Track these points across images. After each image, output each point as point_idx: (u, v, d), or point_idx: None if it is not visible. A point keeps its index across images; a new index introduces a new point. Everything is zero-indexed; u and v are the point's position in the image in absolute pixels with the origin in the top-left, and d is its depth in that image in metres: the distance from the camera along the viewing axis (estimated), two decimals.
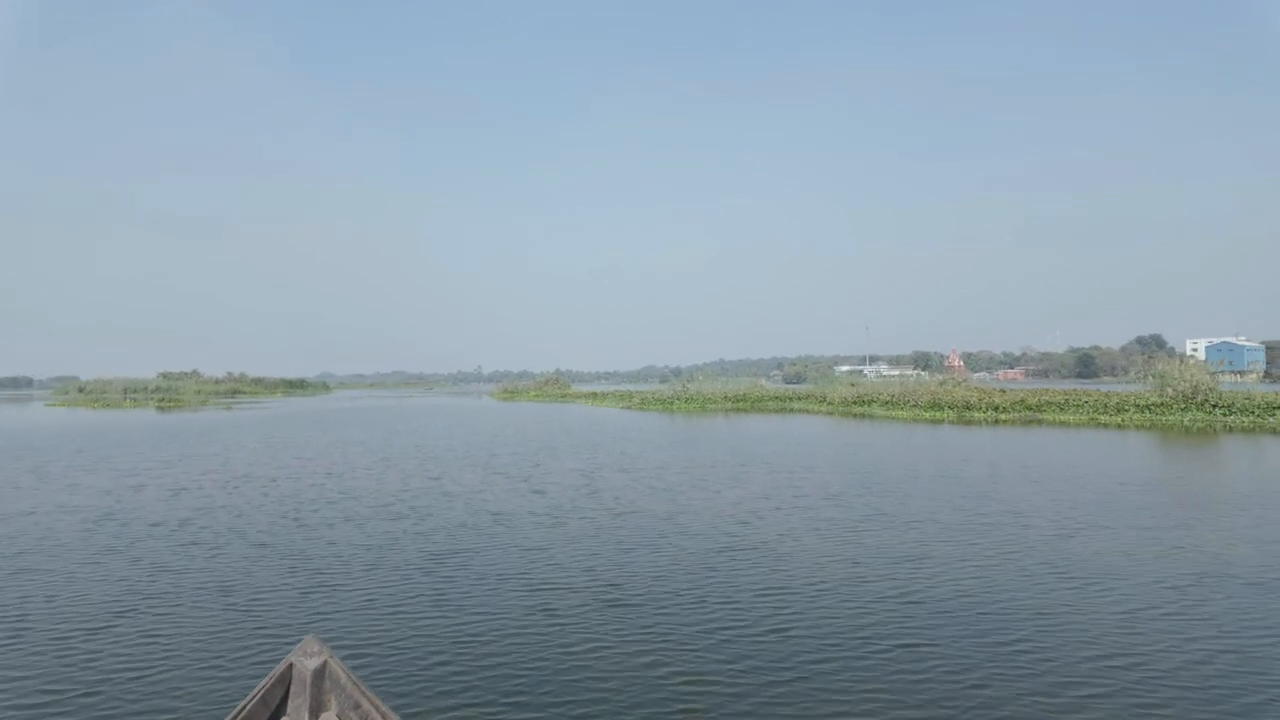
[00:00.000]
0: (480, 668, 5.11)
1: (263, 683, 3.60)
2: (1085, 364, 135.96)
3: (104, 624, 6.12)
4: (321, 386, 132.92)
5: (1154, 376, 31.73)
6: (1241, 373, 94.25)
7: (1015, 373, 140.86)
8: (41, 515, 11.25)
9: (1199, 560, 7.74)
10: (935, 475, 14.35)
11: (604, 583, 7.23)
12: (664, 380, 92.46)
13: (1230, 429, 25.06)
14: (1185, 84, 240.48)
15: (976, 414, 32.40)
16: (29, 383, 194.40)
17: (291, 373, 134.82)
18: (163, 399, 73.08)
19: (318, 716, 3.63)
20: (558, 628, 5.93)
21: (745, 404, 44.93)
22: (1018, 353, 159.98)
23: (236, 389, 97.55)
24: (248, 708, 3.40)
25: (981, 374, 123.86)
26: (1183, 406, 29.32)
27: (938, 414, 33.26)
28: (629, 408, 47.35)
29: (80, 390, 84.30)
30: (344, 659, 4.93)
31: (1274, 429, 24.75)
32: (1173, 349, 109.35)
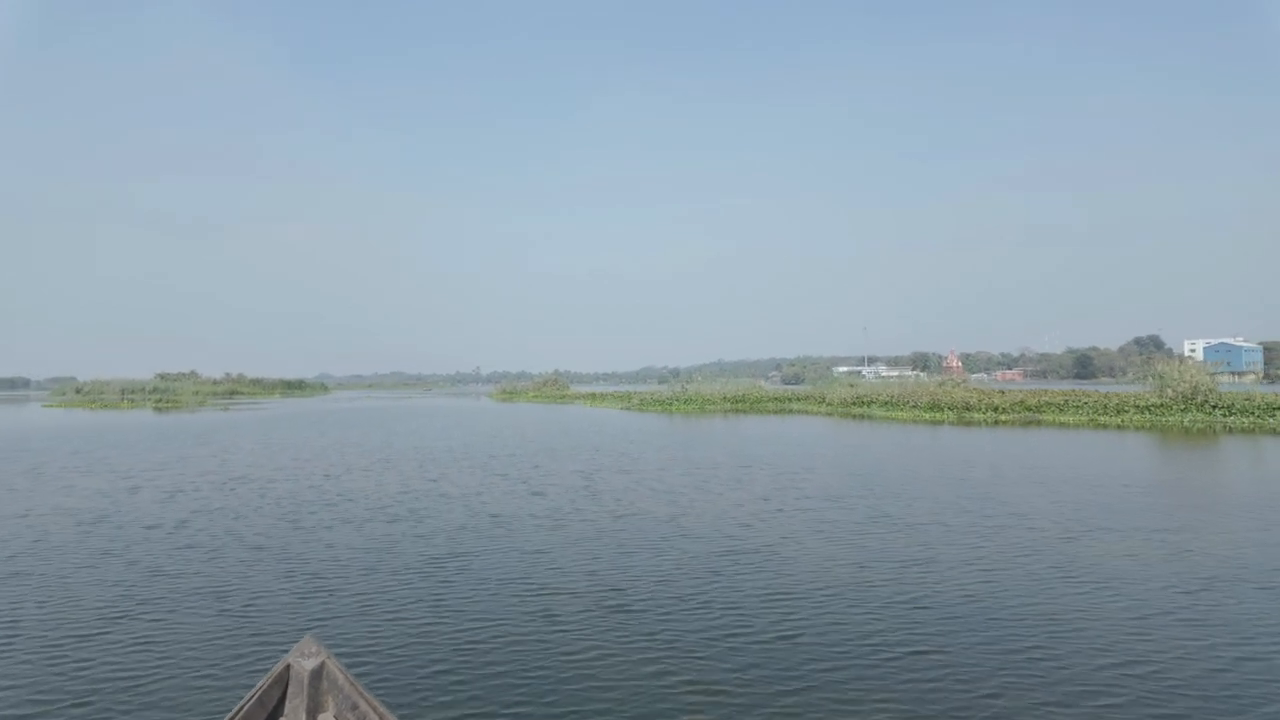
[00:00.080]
0: (481, 675, 4.99)
1: (260, 683, 3.57)
2: (1083, 365, 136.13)
3: (97, 630, 6.00)
4: (320, 387, 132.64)
5: (1153, 377, 31.69)
6: (1239, 373, 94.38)
7: (1013, 374, 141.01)
8: (36, 518, 11.11)
9: (1208, 564, 7.65)
10: (937, 477, 14.26)
11: (606, 587, 7.12)
12: (663, 381, 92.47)
13: (1230, 430, 25.02)
14: (1185, 84, 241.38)
15: (976, 415, 32.34)
16: (26, 383, 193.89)
17: (290, 373, 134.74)
18: (160, 400, 72.83)
19: (315, 717, 3.59)
20: (560, 634, 5.82)
21: (744, 405, 44.83)
22: (1016, 354, 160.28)
23: (234, 390, 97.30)
24: (245, 708, 3.37)
25: (980, 375, 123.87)
26: (1182, 407, 29.28)
27: (937, 415, 33.19)
28: (628, 409, 47.23)
29: (77, 391, 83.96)
30: (341, 664, 4.83)
31: (1274, 430, 24.71)
32: (1170, 350, 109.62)
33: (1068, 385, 77.03)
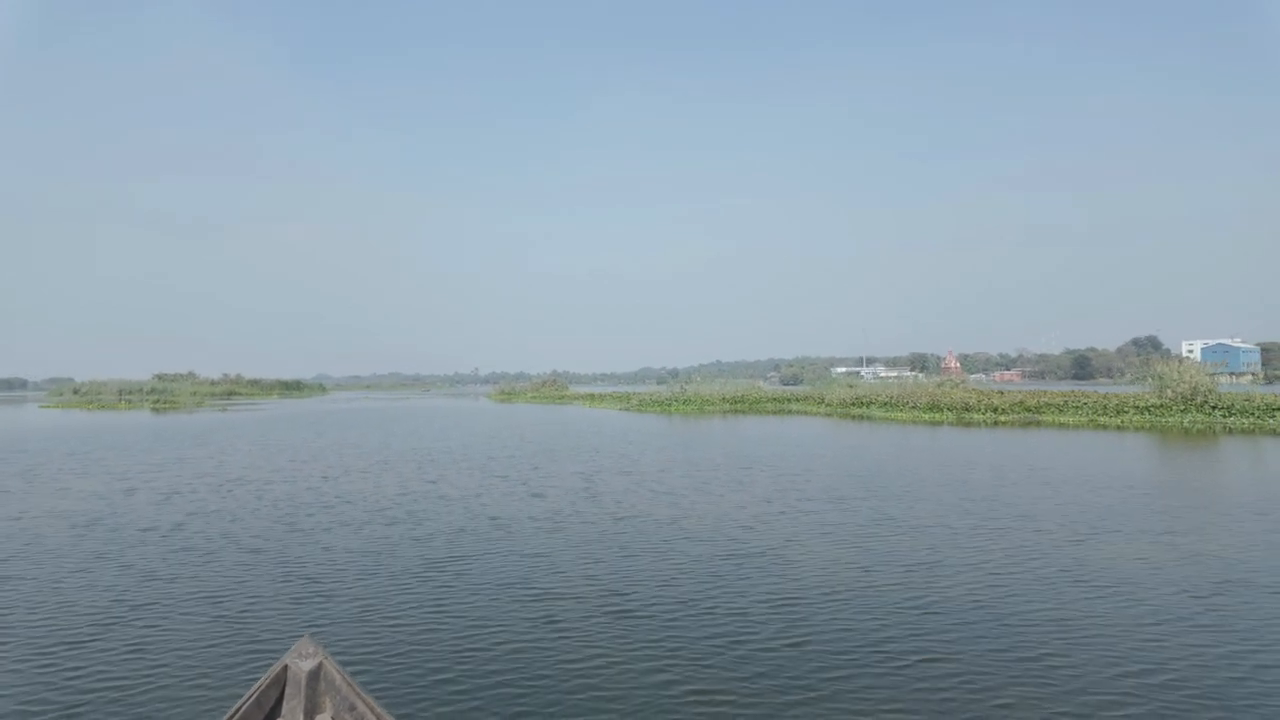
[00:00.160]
0: (483, 683, 4.88)
1: (258, 684, 3.55)
2: (1081, 365, 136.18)
3: (89, 636, 5.87)
4: (318, 388, 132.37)
5: (1153, 378, 31.62)
6: (1237, 374, 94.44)
7: (1012, 374, 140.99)
8: (29, 520, 10.97)
9: (1218, 567, 7.55)
10: (940, 478, 14.16)
11: (608, 591, 7.01)
12: (661, 382, 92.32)
13: (1230, 431, 24.95)
14: (1185, 84, 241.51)
15: (976, 415, 32.26)
16: (23, 384, 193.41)
17: (288, 374, 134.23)
18: (158, 401, 72.60)
19: (313, 718, 3.57)
20: (562, 639, 5.70)
21: (743, 405, 44.74)
22: (1014, 354, 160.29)
23: (232, 390, 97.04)
24: (242, 709, 3.35)
25: (978, 375, 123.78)
26: (1182, 408, 29.22)
27: (937, 415, 33.12)
28: (627, 409, 47.12)
29: (75, 392, 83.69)
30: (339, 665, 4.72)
31: (1274, 430, 24.65)
32: (1168, 351, 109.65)
33: (1066, 386, 77.08)
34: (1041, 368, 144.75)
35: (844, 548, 8.62)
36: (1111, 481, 13.49)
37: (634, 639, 5.69)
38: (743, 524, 10.10)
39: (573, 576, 7.55)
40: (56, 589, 7.28)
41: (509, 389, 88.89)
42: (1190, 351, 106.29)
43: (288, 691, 3.61)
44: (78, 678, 5.04)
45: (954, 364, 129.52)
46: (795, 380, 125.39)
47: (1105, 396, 33.46)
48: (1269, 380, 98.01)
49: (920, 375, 59.48)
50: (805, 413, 39.83)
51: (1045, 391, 38.23)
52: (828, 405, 40.68)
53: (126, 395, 76.65)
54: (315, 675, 3.65)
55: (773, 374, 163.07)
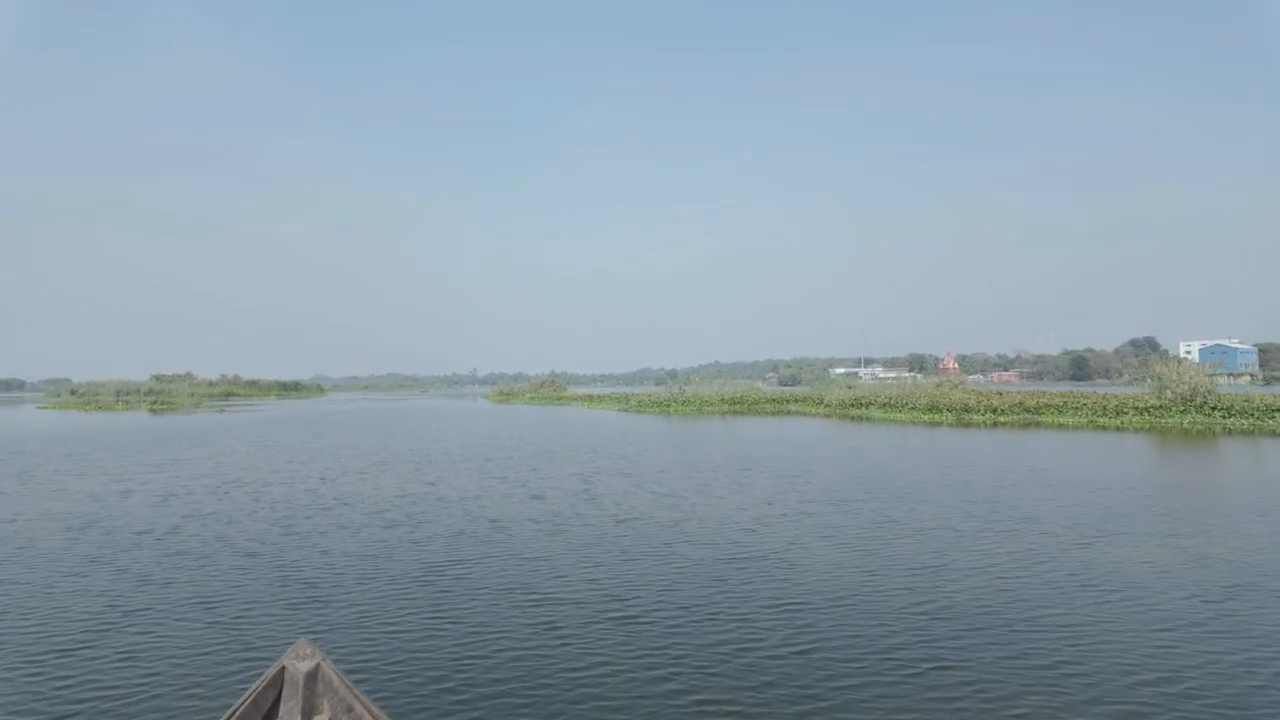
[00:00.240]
0: (484, 692, 4.77)
1: (254, 685, 3.52)
2: (1079, 366, 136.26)
3: (81, 643, 5.76)
4: (316, 389, 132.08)
5: (1152, 379, 31.57)
6: (1235, 375, 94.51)
7: (1009, 375, 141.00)
8: (23, 523, 10.85)
9: (1227, 571, 7.46)
10: (942, 480, 14.07)
11: (610, 596, 6.90)
12: (659, 382, 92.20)
13: (1230, 432, 24.90)
14: (1185, 84, 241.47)
15: (975, 416, 32.20)
16: (21, 385, 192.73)
17: (286, 375, 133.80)
18: (155, 401, 72.36)
19: None
20: (563, 646, 5.59)
21: (742, 406, 44.65)
22: (1012, 355, 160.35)
23: (230, 391, 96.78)
24: (239, 711, 3.32)
25: (976, 376, 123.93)
26: (1181, 409, 29.16)
27: (936, 416, 33.05)
28: (625, 410, 47.01)
29: (72, 393, 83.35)
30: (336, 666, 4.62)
31: (1274, 431, 24.59)
32: (1165, 351, 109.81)
33: (1064, 387, 77.08)
34: (1039, 368, 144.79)
35: (848, 551, 8.52)
36: (1114, 483, 13.41)
37: (638, 646, 5.59)
38: (744, 527, 10.00)
39: (574, 581, 7.45)
40: (49, 594, 7.17)
41: (507, 390, 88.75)
42: (1188, 352, 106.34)
43: (285, 693, 3.59)
44: (67, 687, 4.92)
45: (952, 365, 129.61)
46: (793, 381, 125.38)
47: (1104, 397, 33.39)
48: (1267, 381, 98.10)
49: (918, 376, 59.48)
50: (804, 414, 39.75)
51: (1044, 392, 38.17)
52: (826, 406, 40.60)
53: (124, 396, 76.40)
54: (313, 677, 3.63)
55: (771, 375, 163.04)
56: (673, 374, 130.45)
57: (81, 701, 4.70)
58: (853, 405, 39.20)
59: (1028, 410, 32.25)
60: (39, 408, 69.21)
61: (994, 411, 32.58)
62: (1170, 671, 4.96)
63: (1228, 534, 9.17)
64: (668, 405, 46.11)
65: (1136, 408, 30.08)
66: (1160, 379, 30.86)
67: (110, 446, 24.14)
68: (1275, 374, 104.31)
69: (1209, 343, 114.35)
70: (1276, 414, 26.96)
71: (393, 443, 24.63)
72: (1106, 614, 6.16)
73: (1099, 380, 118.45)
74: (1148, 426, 27.15)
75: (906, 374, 78.89)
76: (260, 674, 4.89)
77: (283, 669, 3.66)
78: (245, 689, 4.61)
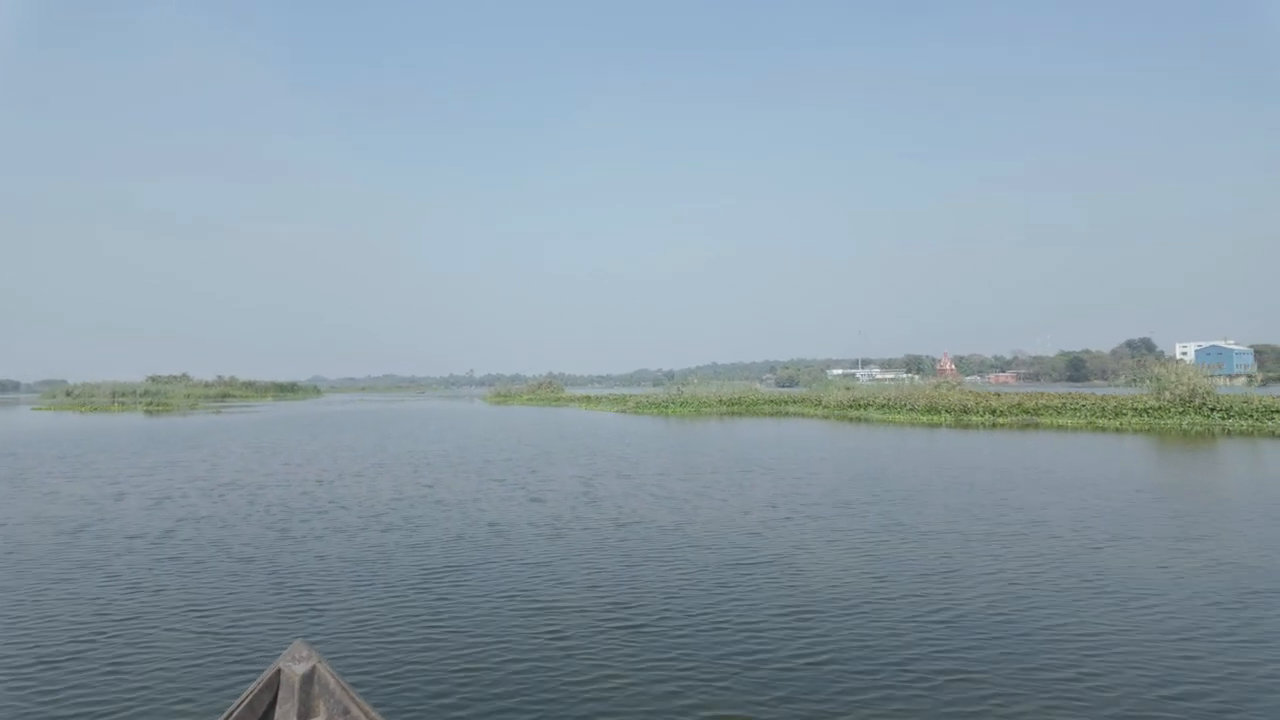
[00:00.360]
0: (484, 702, 4.61)
1: (250, 688, 3.49)
2: (1076, 367, 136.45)
3: (69, 652, 5.58)
4: (312, 390, 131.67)
5: (1151, 380, 31.53)
6: (1232, 376, 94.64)
7: (1006, 376, 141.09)
8: (13, 527, 10.66)
9: (1240, 575, 7.32)
10: (944, 482, 13.94)
11: (612, 602, 6.75)
12: (657, 384, 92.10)
13: (1229, 433, 24.83)
14: (1185, 85, 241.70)
15: (974, 418, 32.10)
16: (16, 387, 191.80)
17: (283, 376, 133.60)
18: (151, 403, 71.98)
19: None
20: (565, 655, 5.44)
21: (740, 408, 44.53)
22: (1009, 356, 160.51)
23: (226, 393, 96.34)
24: (235, 713, 3.30)
25: (973, 377, 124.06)
26: (1180, 410, 29.10)
27: (935, 418, 32.95)
28: (623, 411, 46.86)
29: (68, 394, 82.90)
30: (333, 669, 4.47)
31: (1273, 433, 24.53)
32: (1162, 353, 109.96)
33: (1061, 388, 77.03)
34: (1036, 369, 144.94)
35: (855, 555, 8.37)
36: (1118, 485, 13.30)
37: (642, 653, 5.44)
38: (748, 530, 9.86)
39: (576, 586, 7.29)
40: (38, 600, 6.99)
41: (505, 391, 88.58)
42: (1184, 353, 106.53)
43: (281, 695, 3.55)
44: (52, 701, 4.73)
45: (949, 366, 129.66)
46: (791, 382, 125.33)
47: (1103, 398, 33.33)
48: (1264, 383, 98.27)
49: (915, 377, 59.41)
50: (802, 415, 39.64)
51: (1043, 394, 38.09)
52: (825, 407, 40.50)
53: (120, 397, 76.00)
54: (309, 679, 3.59)
55: (768, 376, 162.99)
56: (670, 375, 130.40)
57: (67, 716, 4.52)
58: (851, 406, 39.10)
59: (1026, 411, 32.18)
60: (34, 409, 68.83)
61: (993, 413, 32.49)
62: (1191, 680, 4.81)
63: (1238, 538, 9.04)
64: (666, 406, 45.96)
65: (1135, 409, 30.02)
66: (1159, 380, 30.83)
67: (104, 448, 23.92)
68: (1272, 374, 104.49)
69: (1205, 344, 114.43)
70: (1275, 415, 26.91)
71: (390, 444, 24.44)
72: (1125, 622, 6.02)
73: (1095, 381, 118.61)
74: (1147, 428, 27.08)
75: (904, 375, 78.79)
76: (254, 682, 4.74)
77: (278, 671, 3.62)
78: (237, 697, 4.46)
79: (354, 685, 4.84)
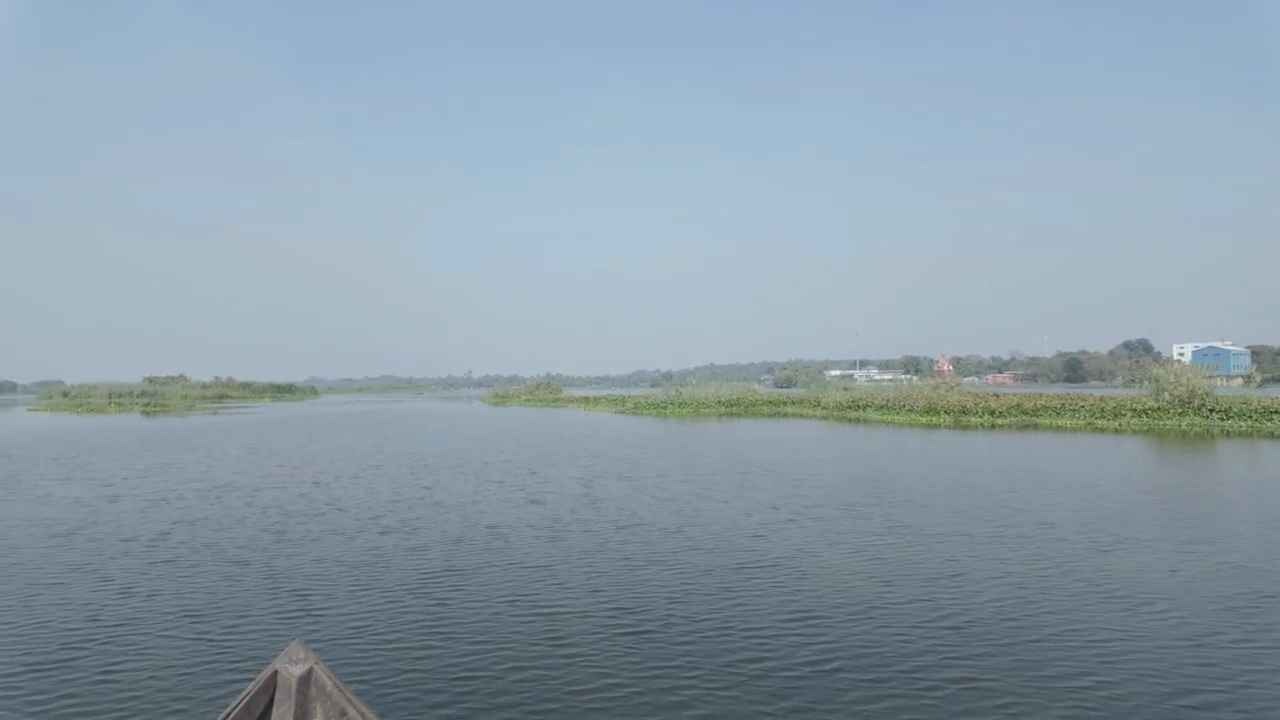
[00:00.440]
0: (484, 712, 4.50)
1: (247, 690, 3.47)
2: (1073, 368, 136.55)
3: (59, 659, 5.45)
4: (310, 391, 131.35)
5: (1150, 381, 31.50)
6: (1228, 377, 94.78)
7: (1004, 377, 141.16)
8: (5, 530, 10.51)
9: (1252, 579, 7.22)
10: (946, 483, 13.84)
11: (615, 607, 6.63)
12: (655, 385, 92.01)
13: (1228, 434, 24.79)
14: (1185, 85, 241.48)
15: (973, 419, 32.03)
16: (12, 387, 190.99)
17: (282, 377, 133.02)
18: (148, 404, 71.75)
19: None
20: (568, 662, 5.32)
21: (739, 409, 44.44)
22: (1006, 357, 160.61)
23: (223, 394, 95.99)
24: (231, 715, 3.28)
25: (970, 378, 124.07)
26: (1180, 411, 29.06)
27: (934, 419, 32.87)
28: (622, 412, 46.75)
29: (64, 395, 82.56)
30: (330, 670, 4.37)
31: (1272, 433, 24.50)
32: (1159, 354, 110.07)
33: (1058, 389, 77.13)
34: (1033, 370, 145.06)
35: (859, 558, 8.27)
36: (1121, 486, 13.21)
37: (645, 660, 5.33)
38: (750, 532, 9.75)
39: (577, 590, 7.18)
40: (28, 606, 6.86)
41: (503, 392, 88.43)
42: (1181, 354, 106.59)
43: (277, 697, 3.49)
44: (40, 711, 4.61)
45: (947, 367, 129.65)
46: (789, 383, 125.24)
47: (1102, 399, 33.30)
48: (1262, 383, 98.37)
49: (913, 378, 59.37)
50: (801, 415, 39.57)
51: (1042, 394, 38.08)
52: (824, 408, 40.42)
53: (116, 398, 75.69)
54: (306, 681, 3.53)
55: (766, 377, 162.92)
56: (668, 376, 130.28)
57: None
58: (850, 407, 39.02)
59: (1025, 412, 32.13)
60: (30, 410, 68.55)
61: (992, 414, 32.42)
62: (1207, 686, 4.71)
63: (1246, 541, 8.95)
64: (664, 407, 45.86)
65: (1134, 410, 29.98)
66: (1158, 381, 30.81)
67: (100, 450, 23.75)
68: (1269, 375, 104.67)
69: (1202, 345, 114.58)
70: (1275, 416, 26.88)
71: (387, 446, 24.30)
72: (1136, 627, 5.91)
73: (1093, 382, 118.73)
74: (1146, 429, 27.03)
75: (902, 376, 78.81)
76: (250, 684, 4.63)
77: (275, 673, 3.57)
78: (234, 700, 4.35)
79: (351, 690, 4.71)
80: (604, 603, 6.75)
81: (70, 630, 6.13)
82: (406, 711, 4.53)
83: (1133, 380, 34.61)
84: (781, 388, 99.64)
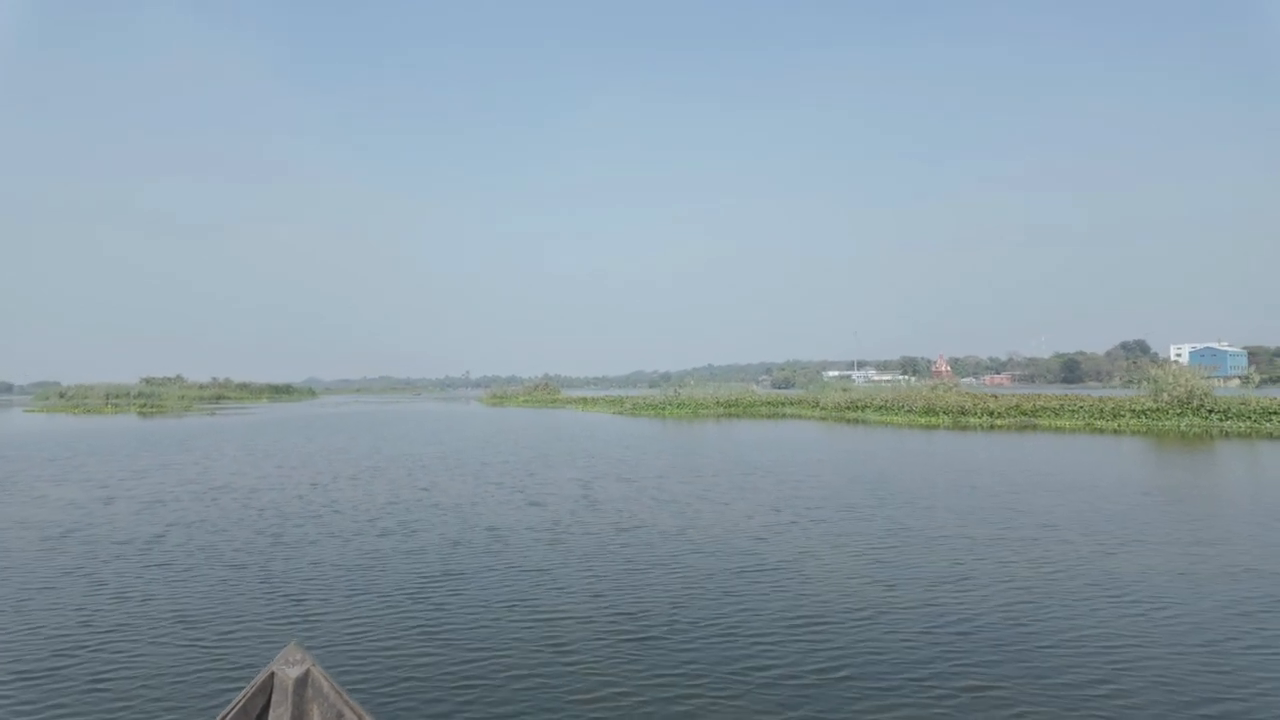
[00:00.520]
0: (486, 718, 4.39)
1: (243, 692, 3.44)
2: (1071, 369, 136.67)
3: (48, 666, 5.33)
4: (307, 392, 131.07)
5: (1148, 382, 31.47)
6: (1225, 378, 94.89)
7: (1001, 378, 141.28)
8: None
9: (1261, 582, 7.13)
10: (947, 484, 13.75)
11: (617, 611, 6.52)
12: (653, 385, 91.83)
13: (1227, 434, 24.74)
14: (1185, 85, 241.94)
15: (972, 419, 31.96)
16: (9, 389, 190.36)
17: (280, 377, 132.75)
18: (145, 405, 71.46)
19: None
20: (570, 669, 5.21)
21: (737, 409, 44.36)
22: (1004, 358, 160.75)
23: (221, 394, 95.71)
24: (228, 717, 3.26)
25: (968, 379, 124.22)
26: (1178, 412, 29.03)
27: (933, 419, 32.81)
28: (620, 413, 46.64)
29: (61, 396, 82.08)
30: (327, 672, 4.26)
31: (1270, 434, 24.46)
32: (1156, 354, 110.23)
33: (1056, 389, 77.17)
34: (1031, 371, 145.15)
35: (862, 561, 8.17)
36: (1122, 487, 13.13)
37: (649, 667, 5.22)
38: (752, 534, 9.64)
39: (577, 594, 7.07)
40: (19, 610, 6.73)
41: (501, 393, 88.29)
42: (1178, 355, 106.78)
43: (274, 699, 3.47)
44: (28, 716, 4.50)
45: (945, 368, 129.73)
46: (787, 384, 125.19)
47: (1101, 400, 33.26)
48: (1260, 384, 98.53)
49: (911, 379, 59.32)
50: (799, 416, 39.49)
51: (1040, 395, 38.04)
52: (822, 409, 40.35)
53: (113, 399, 75.32)
54: (302, 682, 3.51)
55: (764, 377, 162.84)
56: (666, 377, 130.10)
57: None
58: (848, 408, 38.97)
59: (1024, 413, 32.08)
60: (26, 411, 68.23)
61: (990, 414, 32.38)
62: (1222, 693, 4.61)
63: (1251, 542, 8.87)
64: (663, 408, 45.76)
65: (1133, 410, 29.94)
66: (1156, 382, 30.79)
67: (95, 451, 23.58)
68: (1266, 376, 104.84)
69: (1199, 345, 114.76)
70: (1273, 416, 26.85)
71: (385, 447, 24.16)
72: (1144, 630, 5.82)
73: (1090, 383, 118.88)
74: (1145, 429, 26.99)
75: (899, 376, 78.77)
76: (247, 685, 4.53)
77: (272, 674, 3.54)
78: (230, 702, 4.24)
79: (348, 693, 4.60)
80: (606, 607, 6.65)
81: (62, 635, 6.01)
82: (405, 717, 4.42)
83: (1130, 381, 34.60)
84: (779, 388, 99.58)
